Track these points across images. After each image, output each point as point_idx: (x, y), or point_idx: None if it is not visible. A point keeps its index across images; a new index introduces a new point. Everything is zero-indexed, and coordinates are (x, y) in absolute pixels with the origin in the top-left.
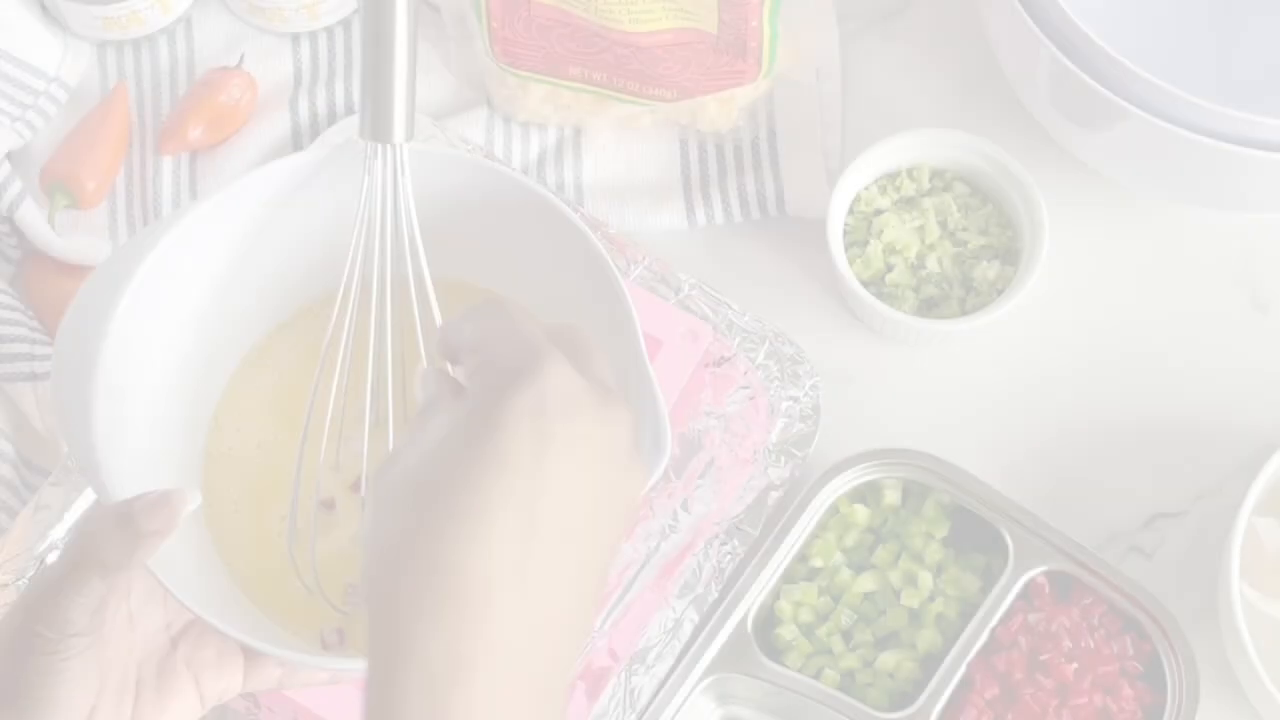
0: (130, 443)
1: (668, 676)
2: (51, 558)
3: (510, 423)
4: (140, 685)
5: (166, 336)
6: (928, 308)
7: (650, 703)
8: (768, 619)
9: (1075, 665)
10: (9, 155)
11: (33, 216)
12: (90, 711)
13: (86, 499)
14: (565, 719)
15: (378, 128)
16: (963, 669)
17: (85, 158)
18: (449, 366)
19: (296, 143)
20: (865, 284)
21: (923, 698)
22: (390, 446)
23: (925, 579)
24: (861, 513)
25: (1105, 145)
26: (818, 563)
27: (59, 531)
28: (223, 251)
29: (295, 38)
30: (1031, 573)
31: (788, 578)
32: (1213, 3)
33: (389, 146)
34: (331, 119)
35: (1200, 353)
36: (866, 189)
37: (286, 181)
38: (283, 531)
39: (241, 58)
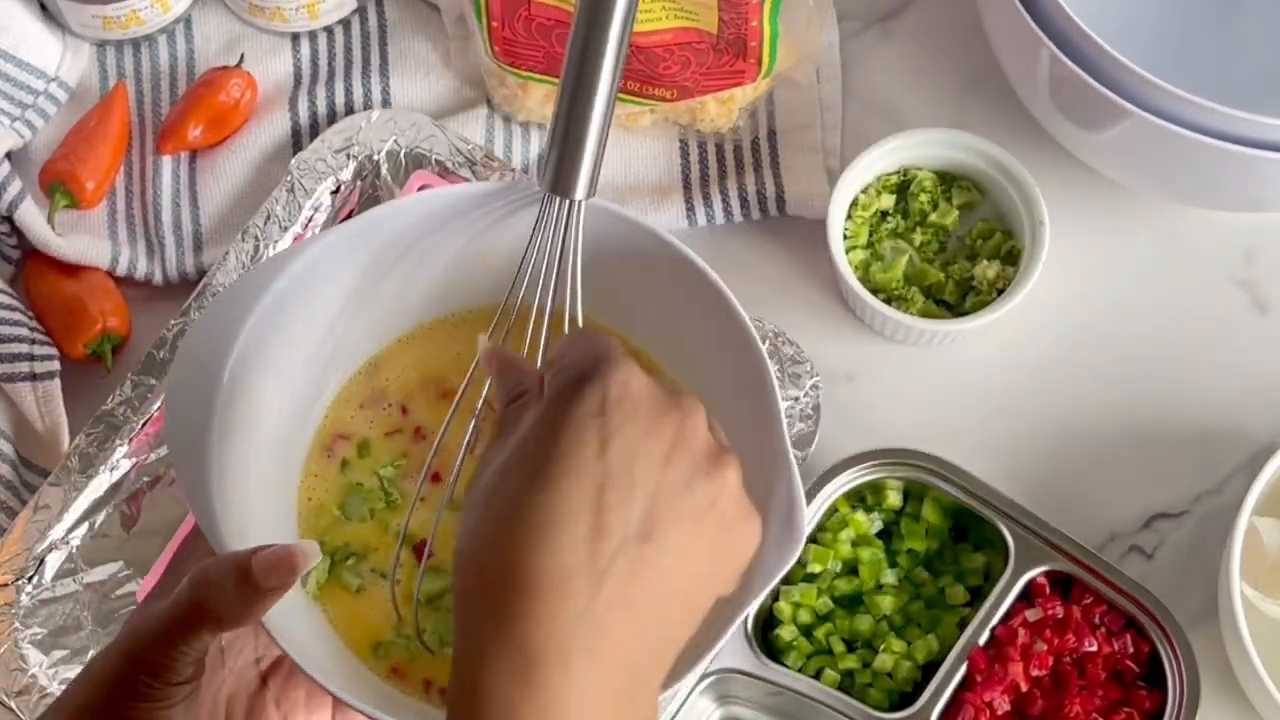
0: (249, 491)
1: None
2: (52, 558)
3: (573, 427)
4: None
5: (280, 375)
6: (928, 308)
7: None
8: (767, 619)
9: (1076, 665)
10: (9, 155)
11: (33, 216)
12: None
13: (87, 499)
14: None
15: (560, 183)
16: (963, 669)
17: (85, 158)
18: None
19: (296, 143)
20: (865, 284)
21: (923, 698)
22: None
23: (926, 579)
24: (862, 514)
25: (1105, 145)
26: (817, 564)
27: (59, 531)
28: (344, 280)
29: (295, 37)
30: (1031, 573)
31: (787, 578)
32: (1214, 3)
33: (569, 201)
34: (331, 118)
35: (1200, 353)
36: (866, 189)
37: (436, 211)
38: (383, 581)
39: (241, 58)
